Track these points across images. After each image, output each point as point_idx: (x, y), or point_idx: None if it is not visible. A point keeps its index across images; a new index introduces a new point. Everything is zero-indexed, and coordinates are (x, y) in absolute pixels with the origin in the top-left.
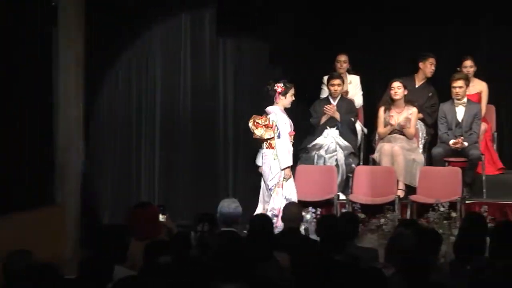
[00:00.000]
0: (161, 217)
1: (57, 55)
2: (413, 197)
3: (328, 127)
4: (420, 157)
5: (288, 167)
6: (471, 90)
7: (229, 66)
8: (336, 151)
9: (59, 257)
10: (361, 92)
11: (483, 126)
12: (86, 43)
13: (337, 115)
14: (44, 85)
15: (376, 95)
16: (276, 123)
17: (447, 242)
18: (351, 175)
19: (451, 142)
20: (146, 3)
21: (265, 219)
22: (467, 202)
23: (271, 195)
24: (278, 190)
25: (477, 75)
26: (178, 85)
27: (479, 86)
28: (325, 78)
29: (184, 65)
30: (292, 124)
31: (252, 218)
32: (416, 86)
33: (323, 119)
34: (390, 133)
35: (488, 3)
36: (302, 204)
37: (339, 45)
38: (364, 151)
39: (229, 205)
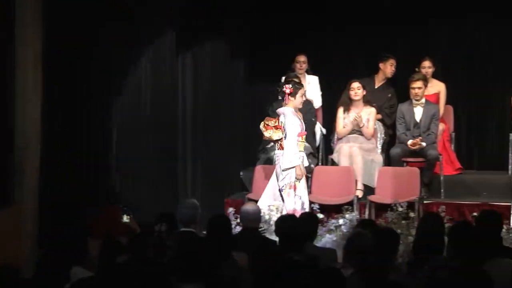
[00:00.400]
0: (125, 218)
1: (14, 53)
2: (371, 197)
3: None
4: (378, 157)
5: (291, 167)
6: (430, 90)
7: (187, 64)
8: None
9: (18, 257)
10: (320, 93)
11: (441, 126)
12: (44, 41)
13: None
14: (1, 84)
15: (334, 96)
16: (283, 124)
17: (405, 242)
18: (310, 176)
19: (409, 142)
20: None
21: (223, 220)
22: (425, 202)
23: (281, 195)
24: (289, 192)
25: (435, 75)
26: (139, 84)
27: (437, 87)
28: (283, 79)
29: (144, 66)
30: (303, 125)
31: (210, 218)
32: (376, 87)
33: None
34: (349, 134)
35: (446, 4)
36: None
37: (299, 46)
38: (323, 151)
39: (188, 206)
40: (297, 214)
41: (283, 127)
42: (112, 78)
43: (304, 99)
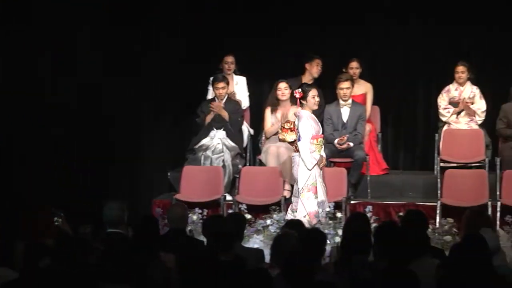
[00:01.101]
0: (57, 220)
1: None
2: None
3: (214, 128)
4: None
5: (314, 165)
6: (357, 91)
7: None
8: (223, 152)
9: None
10: (247, 93)
11: (368, 127)
12: None
13: (225, 113)
14: None
15: (262, 96)
16: (297, 127)
17: (332, 242)
18: (237, 176)
19: (336, 141)
20: None
21: (150, 220)
22: (352, 202)
23: (298, 196)
24: (308, 195)
25: (362, 76)
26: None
27: (364, 88)
28: (211, 79)
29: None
30: (319, 128)
31: (137, 219)
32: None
33: (209, 118)
34: (277, 134)
35: (374, 5)
36: (189, 205)
37: (227, 46)
38: (250, 152)
39: (115, 207)
40: (316, 217)
41: (297, 129)
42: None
43: (317, 99)
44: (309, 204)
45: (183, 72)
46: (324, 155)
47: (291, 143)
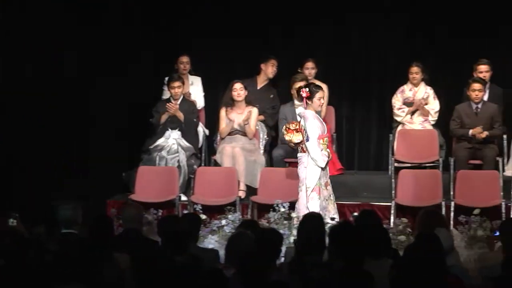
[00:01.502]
0: (11, 221)
1: None
2: (254, 198)
3: (169, 129)
4: (261, 158)
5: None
6: None
7: None
8: (178, 152)
9: None
10: (202, 93)
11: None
12: None
13: (180, 114)
14: None
15: (217, 96)
16: (304, 127)
17: (287, 243)
18: (192, 176)
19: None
20: None
21: (104, 221)
22: None
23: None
24: (313, 195)
25: (317, 77)
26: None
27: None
28: (166, 79)
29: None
30: (324, 127)
31: (92, 219)
32: (258, 87)
33: (164, 118)
34: (232, 134)
35: (330, 6)
36: (144, 206)
37: (182, 46)
38: (205, 152)
39: (69, 207)
40: None
41: (304, 130)
42: None
43: (323, 102)
44: (313, 205)
45: (138, 72)
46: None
47: (298, 144)
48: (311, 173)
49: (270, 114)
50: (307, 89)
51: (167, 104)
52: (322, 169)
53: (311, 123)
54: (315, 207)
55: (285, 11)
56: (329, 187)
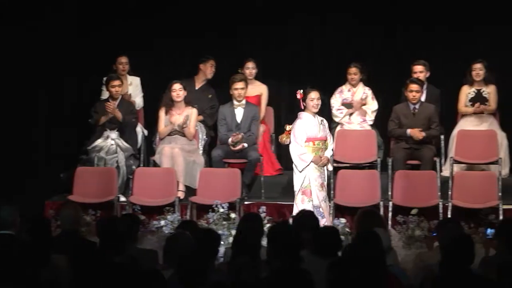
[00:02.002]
0: None
1: None
2: (193, 199)
3: (108, 129)
4: (200, 158)
5: (308, 163)
6: (251, 92)
7: None
8: (116, 153)
9: None
10: (141, 94)
11: (262, 128)
12: None
13: (119, 114)
14: None
15: (156, 97)
16: (292, 129)
17: (226, 243)
18: (131, 177)
19: (230, 140)
20: None
21: (42, 222)
22: (245, 203)
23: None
24: (303, 197)
25: (257, 77)
26: None
27: (259, 89)
28: (105, 79)
29: None
30: (318, 130)
31: (30, 220)
32: (196, 88)
33: (103, 119)
34: (171, 135)
35: (269, 5)
36: (82, 206)
37: (121, 47)
38: (144, 152)
39: (5, 208)
40: None
41: (291, 131)
42: None
43: (316, 102)
44: (303, 208)
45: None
46: (327, 156)
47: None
48: (295, 177)
49: (209, 114)
50: (301, 90)
51: (106, 103)
52: (319, 170)
53: (297, 126)
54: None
55: (225, 11)
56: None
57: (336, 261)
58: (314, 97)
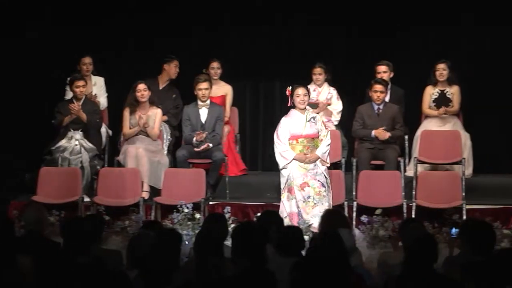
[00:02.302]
0: None
1: None
2: (157, 199)
3: (72, 129)
4: (164, 158)
5: (289, 161)
6: (216, 92)
7: None
8: (80, 153)
9: None
10: (105, 94)
11: (226, 128)
12: None
13: (83, 116)
14: None
15: (120, 97)
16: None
17: (191, 243)
18: (96, 177)
19: (194, 139)
20: None
21: (5, 223)
22: (210, 203)
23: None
24: (287, 195)
25: (222, 77)
26: None
27: (223, 89)
28: (68, 79)
29: None
30: (302, 127)
31: None
32: (160, 88)
33: (67, 120)
34: (135, 135)
35: (234, 5)
36: (46, 207)
37: (83, 48)
38: (109, 153)
39: None
40: (294, 219)
41: None
42: None
43: (303, 98)
44: (288, 205)
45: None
46: (316, 154)
47: None
48: (281, 174)
49: (173, 114)
50: (290, 87)
51: (70, 105)
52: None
53: (281, 123)
54: (284, 208)
55: (190, 11)
56: (309, 189)
57: (300, 261)
58: (300, 93)
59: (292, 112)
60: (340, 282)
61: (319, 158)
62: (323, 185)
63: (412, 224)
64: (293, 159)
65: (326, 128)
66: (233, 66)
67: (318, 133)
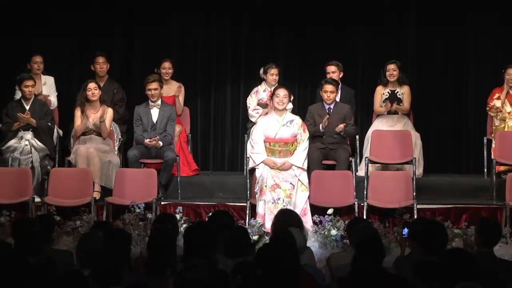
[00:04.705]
0: None
1: None
2: (109, 199)
3: (22, 130)
4: (115, 158)
5: (256, 165)
6: (168, 92)
7: None
8: (31, 153)
9: None
10: (55, 93)
11: (178, 128)
12: None
13: (33, 122)
14: None
15: (71, 96)
16: None
17: (143, 244)
18: (46, 177)
19: (147, 140)
20: None
21: None
22: (162, 203)
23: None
24: (259, 195)
25: (174, 77)
26: None
27: (175, 89)
28: (17, 78)
29: None
30: (277, 130)
31: None
32: (102, 84)
33: (16, 126)
34: (86, 134)
35: (185, 4)
36: None
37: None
38: (59, 153)
39: None
40: (264, 220)
41: None
42: None
43: (282, 99)
44: (260, 206)
45: None
46: (290, 162)
47: None
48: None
49: (120, 105)
50: (272, 88)
51: (19, 114)
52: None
53: (257, 123)
54: (258, 209)
55: (141, 11)
56: (280, 190)
57: (243, 261)
58: (280, 94)
59: (271, 113)
60: (289, 282)
61: (292, 165)
62: (294, 187)
63: (359, 224)
64: (262, 162)
65: (304, 132)
66: (184, 66)
67: (294, 137)
